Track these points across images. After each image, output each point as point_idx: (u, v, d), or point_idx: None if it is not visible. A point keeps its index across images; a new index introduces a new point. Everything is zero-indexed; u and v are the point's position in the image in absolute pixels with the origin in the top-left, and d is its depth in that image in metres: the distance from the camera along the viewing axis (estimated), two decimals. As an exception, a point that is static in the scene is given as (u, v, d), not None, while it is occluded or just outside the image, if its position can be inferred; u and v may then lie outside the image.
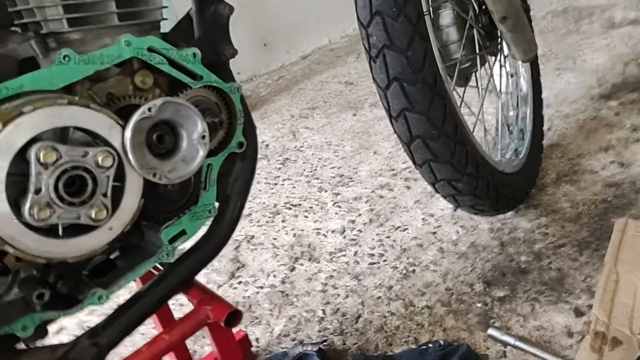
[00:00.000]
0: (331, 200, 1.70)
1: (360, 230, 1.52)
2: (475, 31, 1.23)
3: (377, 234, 1.48)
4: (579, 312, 1.10)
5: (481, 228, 1.39)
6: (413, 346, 1.13)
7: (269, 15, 3.05)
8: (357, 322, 1.22)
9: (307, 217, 1.65)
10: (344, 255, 1.44)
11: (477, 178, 1.12)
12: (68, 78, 0.59)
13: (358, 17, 1.01)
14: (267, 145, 2.19)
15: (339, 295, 1.31)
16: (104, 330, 0.65)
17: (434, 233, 1.42)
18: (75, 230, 0.59)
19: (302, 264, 1.45)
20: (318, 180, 1.85)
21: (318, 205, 1.70)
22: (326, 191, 1.77)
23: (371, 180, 1.76)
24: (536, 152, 1.44)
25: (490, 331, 1.09)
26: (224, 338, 0.75)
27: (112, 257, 0.73)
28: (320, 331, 1.22)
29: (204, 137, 0.65)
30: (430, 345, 1.10)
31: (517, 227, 1.36)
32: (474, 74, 1.35)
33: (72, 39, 0.62)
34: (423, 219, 1.49)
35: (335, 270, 1.40)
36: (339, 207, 1.66)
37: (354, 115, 2.28)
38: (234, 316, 0.69)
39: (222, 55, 0.76)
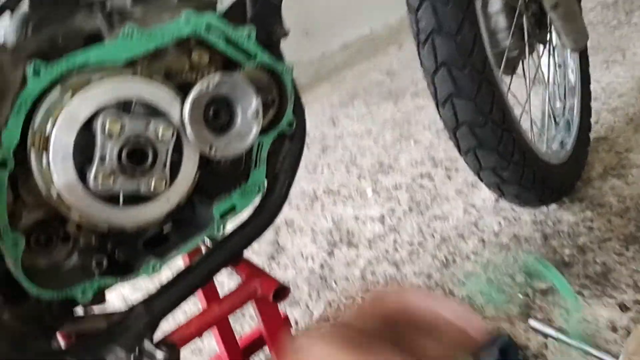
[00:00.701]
0: (370, 188, 1.70)
1: (399, 219, 1.52)
2: (524, 19, 1.21)
3: (417, 223, 1.48)
4: (624, 307, 1.08)
5: (524, 220, 1.37)
6: (452, 334, 1.12)
7: (311, 4, 3.06)
8: (395, 308, 1.23)
9: (345, 204, 1.66)
10: (383, 243, 1.44)
11: (522, 167, 1.11)
12: (131, 52, 0.61)
13: (407, 2, 1.00)
14: (308, 133, 2.20)
15: (378, 281, 1.32)
16: (158, 300, 0.67)
17: (475, 224, 1.41)
18: (135, 200, 0.61)
19: (340, 250, 1.46)
20: (357, 168, 1.85)
21: (357, 192, 1.70)
22: (365, 179, 1.77)
23: (411, 169, 1.75)
24: (583, 145, 1.41)
25: (532, 322, 1.08)
26: (269, 313, 0.77)
27: (164, 231, 0.75)
28: (358, 316, 1.23)
29: (257, 114, 0.67)
30: (469, 333, 1.09)
31: (561, 220, 1.34)
32: (521, 63, 1.32)
33: (134, 16, 0.64)
34: (464, 209, 1.48)
35: (374, 256, 1.40)
36: (379, 195, 1.66)
37: (395, 104, 2.27)
38: (282, 291, 0.71)
39: (273, 36, 0.77)
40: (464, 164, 1.63)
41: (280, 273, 1.41)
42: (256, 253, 1.50)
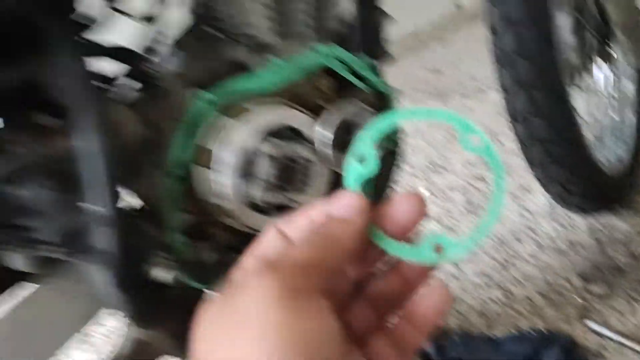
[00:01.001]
0: (425, 188, 1.78)
1: (457, 220, 1.60)
2: (588, 33, 1.27)
3: (474, 224, 1.56)
4: (679, 314, 1.15)
5: (579, 227, 1.44)
6: (513, 331, 1.21)
7: (358, 0, 3.11)
8: (460, 304, 1.32)
9: (402, 202, 1.74)
10: (442, 242, 1.53)
11: (587, 180, 1.18)
12: (276, 82, 0.70)
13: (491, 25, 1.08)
14: (358, 130, 2.28)
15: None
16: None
17: (531, 228, 1.49)
18: (277, 209, 0.70)
19: (400, 247, 1.55)
20: (409, 166, 1.93)
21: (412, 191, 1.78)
22: (418, 178, 1.85)
23: (464, 170, 1.82)
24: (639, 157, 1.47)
25: (590, 324, 1.16)
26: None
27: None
28: (422, 310, 1.32)
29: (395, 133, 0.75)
30: (531, 332, 1.18)
31: (616, 228, 1.41)
32: (582, 75, 1.39)
33: (275, 48, 0.73)
34: (520, 213, 1.55)
35: (433, 255, 1.49)
36: (434, 195, 1.74)
37: (443, 104, 2.33)
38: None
39: (377, 59, 0.86)
40: (517, 167, 1.71)
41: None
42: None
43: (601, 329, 1.15)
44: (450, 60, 2.80)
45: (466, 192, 1.71)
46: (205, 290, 0.74)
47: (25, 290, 0.62)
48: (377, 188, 0.89)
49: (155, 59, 0.68)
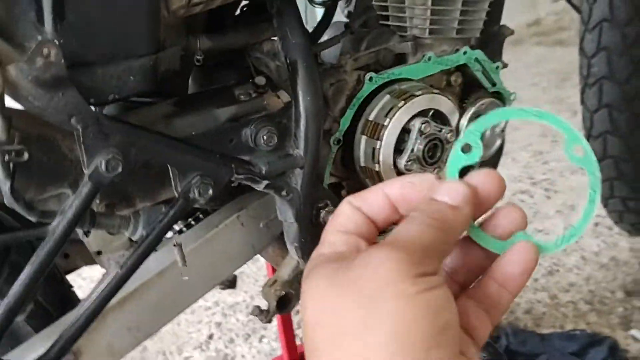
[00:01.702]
0: (473, 195, 1.89)
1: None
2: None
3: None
4: None
5: (621, 246, 1.56)
6: (559, 331, 1.32)
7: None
8: (506, 302, 1.43)
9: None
10: (490, 245, 1.64)
11: (645, 201, 1.30)
12: (426, 72, 0.81)
13: (582, 47, 1.19)
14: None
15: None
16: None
17: (576, 242, 1.60)
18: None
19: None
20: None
21: (460, 196, 1.90)
22: (465, 186, 1.96)
23: (510, 184, 1.94)
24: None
25: (633, 332, 1.28)
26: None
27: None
28: (472, 303, 1.43)
29: (503, 131, 0.87)
30: (577, 332, 1.29)
31: (656, 251, 1.52)
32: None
33: (426, 44, 0.84)
34: (565, 227, 1.67)
35: (481, 255, 1.60)
36: (481, 202, 1.85)
37: (489, 121, 2.45)
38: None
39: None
40: (562, 187, 1.83)
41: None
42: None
43: (642, 337, 1.26)
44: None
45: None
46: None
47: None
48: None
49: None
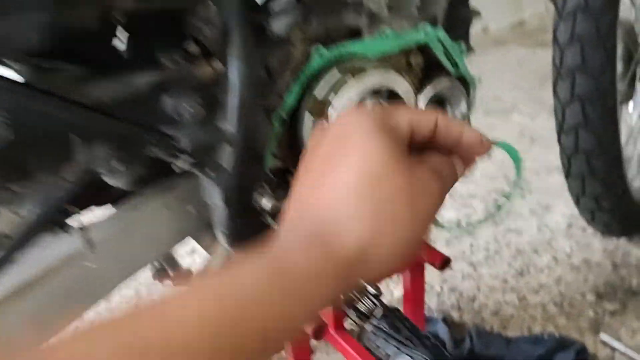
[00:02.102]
0: (446, 193, 1.84)
1: (475, 226, 1.66)
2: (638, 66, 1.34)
3: (492, 233, 1.62)
4: (686, 338, 1.22)
5: (595, 247, 1.51)
6: (527, 334, 1.27)
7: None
8: (473, 302, 1.37)
9: (422, 202, 1.79)
10: (460, 244, 1.58)
11: (619, 200, 1.25)
12: (383, 49, 0.75)
13: (555, 35, 1.14)
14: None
15: (455, 277, 1.46)
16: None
17: (548, 243, 1.55)
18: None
19: (419, 243, 1.60)
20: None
21: (433, 194, 1.84)
22: (439, 183, 1.90)
23: (485, 182, 1.89)
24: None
25: (602, 336, 1.22)
26: (418, 279, 0.91)
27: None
28: (438, 304, 1.38)
29: (464, 118, 0.80)
30: (545, 336, 1.24)
31: (630, 253, 1.47)
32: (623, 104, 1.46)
33: (386, 20, 0.78)
34: (538, 227, 1.62)
35: (451, 255, 1.54)
36: (454, 199, 1.80)
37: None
38: (446, 262, 0.85)
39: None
40: (538, 186, 1.78)
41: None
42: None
43: (613, 342, 1.21)
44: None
45: (485, 201, 1.77)
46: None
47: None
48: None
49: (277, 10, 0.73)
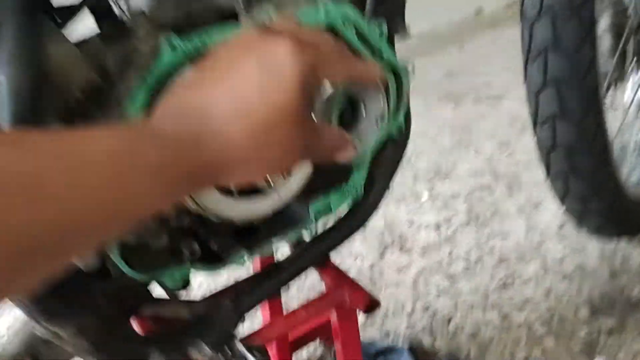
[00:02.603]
0: (426, 193, 1.65)
1: (456, 230, 1.47)
2: (631, 42, 1.14)
3: (475, 238, 1.43)
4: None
5: (590, 251, 1.31)
6: (508, 361, 1.08)
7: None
8: (448, 324, 1.19)
9: (399, 206, 1.61)
10: (438, 253, 1.40)
11: (610, 199, 1.05)
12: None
13: (522, 12, 0.94)
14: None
15: (430, 293, 1.28)
16: (247, 296, 0.64)
17: (537, 248, 1.36)
18: (247, 194, 0.58)
19: (392, 253, 1.42)
20: (412, 169, 1.80)
21: (411, 195, 1.66)
22: (420, 182, 1.72)
23: (470, 179, 1.69)
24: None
25: (597, 362, 1.04)
26: (349, 326, 0.73)
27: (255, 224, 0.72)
28: (408, 327, 1.20)
29: (382, 117, 0.62)
30: (528, 364, 1.05)
31: (630, 257, 1.28)
32: (613, 87, 1.26)
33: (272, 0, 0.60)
34: (526, 229, 1.42)
35: (427, 266, 1.36)
36: (434, 201, 1.61)
37: (454, 108, 2.21)
38: (373, 305, 0.67)
39: (393, 32, 0.73)
40: (527, 181, 1.59)
41: (329, 268, 1.37)
42: (305, 243, 1.46)
43: (608, 368, 1.02)
44: (466, 65, 2.67)
45: (468, 201, 1.58)
46: (143, 283, 0.61)
47: None
48: (376, 186, 0.75)
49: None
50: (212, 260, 0.65)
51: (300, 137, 0.41)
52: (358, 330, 0.74)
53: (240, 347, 0.56)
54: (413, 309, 1.24)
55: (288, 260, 0.68)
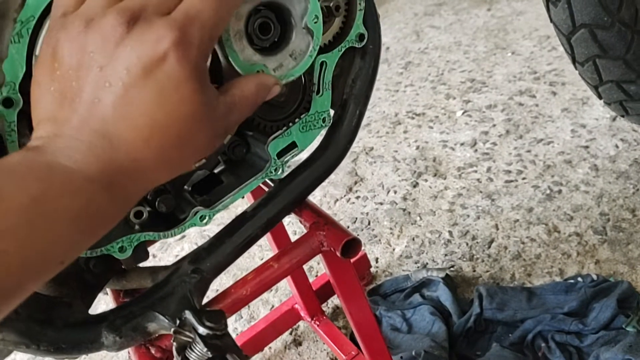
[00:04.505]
0: (460, 109, 1.51)
1: (494, 143, 1.34)
2: None
3: (515, 148, 1.29)
4: None
5: (648, 142, 1.15)
6: (557, 279, 0.97)
7: None
8: (489, 247, 1.08)
9: (432, 127, 1.49)
10: (475, 172, 1.28)
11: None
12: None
13: None
14: (388, 48, 2.00)
15: (468, 216, 1.17)
16: (207, 255, 0.57)
17: (586, 147, 1.21)
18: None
19: (426, 180, 1.31)
20: (445, 86, 1.65)
21: (445, 114, 1.52)
22: (454, 98, 1.58)
23: (508, 85, 1.53)
24: None
25: (659, 267, 0.90)
26: (339, 266, 0.66)
27: (216, 171, 0.65)
28: (446, 255, 1.10)
29: (315, 22, 0.52)
30: (579, 279, 0.94)
31: (698, 141, 1.11)
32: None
33: None
34: (572, 130, 1.27)
35: (464, 187, 1.25)
36: (470, 116, 1.47)
37: (488, 10, 2.00)
38: (352, 245, 0.59)
39: None
40: (573, 76, 1.41)
41: (359, 206, 1.29)
42: (333, 184, 1.38)
43: (673, 272, 0.89)
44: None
45: (507, 109, 1.43)
46: (101, 256, 0.56)
47: None
48: (349, 108, 0.65)
49: None
50: (166, 224, 0.58)
51: (215, 120, 0.39)
52: (355, 276, 0.66)
53: (189, 316, 0.50)
54: (451, 236, 1.14)
55: (252, 210, 0.61)
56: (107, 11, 0.37)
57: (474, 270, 1.05)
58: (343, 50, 0.61)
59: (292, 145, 0.62)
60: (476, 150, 1.34)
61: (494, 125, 1.39)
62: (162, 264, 1.28)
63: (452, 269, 1.06)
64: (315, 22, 0.52)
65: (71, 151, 0.35)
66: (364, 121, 1.57)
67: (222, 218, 1.28)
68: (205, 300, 0.58)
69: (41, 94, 0.38)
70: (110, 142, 0.36)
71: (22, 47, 0.45)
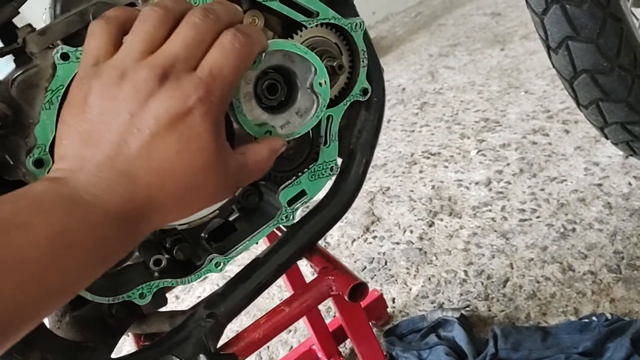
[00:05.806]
0: (475, 148, 1.54)
1: (508, 182, 1.35)
2: None
3: (529, 186, 1.31)
4: None
5: (661, 180, 1.16)
6: (572, 318, 0.97)
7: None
8: (504, 286, 1.09)
9: (447, 167, 1.51)
10: (490, 211, 1.29)
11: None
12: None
13: None
14: (404, 89, 2.05)
15: (483, 255, 1.18)
16: (222, 301, 0.61)
17: (600, 185, 1.22)
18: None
19: (441, 219, 1.33)
20: (460, 125, 1.69)
21: (460, 153, 1.55)
22: (469, 138, 1.60)
23: (522, 124, 1.56)
24: None
25: (674, 306, 0.90)
26: (349, 309, 0.68)
27: (230, 219, 0.68)
28: (462, 294, 1.11)
29: (321, 84, 0.56)
30: (594, 318, 0.94)
31: None
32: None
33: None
34: (585, 168, 1.28)
35: (479, 227, 1.26)
36: (484, 155, 1.50)
37: (502, 50, 2.04)
38: (359, 289, 0.61)
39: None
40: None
41: (376, 246, 1.32)
42: (351, 224, 1.41)
43: (689, 311, 0.89)
44: (510, 1, 2.47)
45: (520, 148, 1.45)
46: (124, 303, 0.60)
47: None
48: (355, 158, 0.69)
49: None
50: (183, 271, 0.62)
51: (225, 173, 0.42)
52: (365, 318, 0.68)
53: (204, 360, 0.53)
54: (467, 275, 1.15)
55: (265, 256, 0.64)
56: (140, 65, 0.40)
57: (490, 310, 1.06)
58: (348, 104, 0.65)
59: (302, 193, 0.65)
60: (490, 189, 1.36)
61: (508, 164, 1.41)
62: (185, 305, 1.32)
63: (467, 308, 1.07)
64: (322, 86, 0.56)
65: (92, 186, 0.38)
66: (380, 161, 1.61)
67: (243, 259, 1.32)
68: (220, 343, 0.61)
69: (69, 132, 0.41)
70: (130, 181, 0.38)
71: (52, 113, 0.50)
